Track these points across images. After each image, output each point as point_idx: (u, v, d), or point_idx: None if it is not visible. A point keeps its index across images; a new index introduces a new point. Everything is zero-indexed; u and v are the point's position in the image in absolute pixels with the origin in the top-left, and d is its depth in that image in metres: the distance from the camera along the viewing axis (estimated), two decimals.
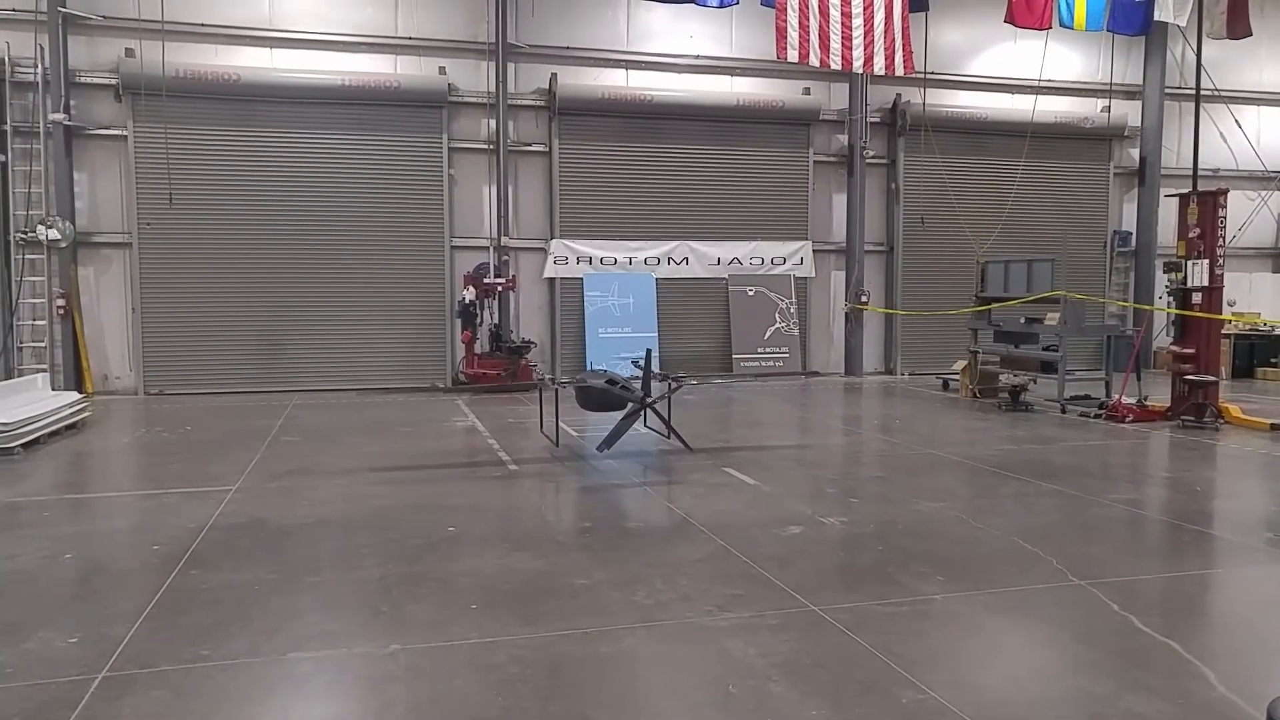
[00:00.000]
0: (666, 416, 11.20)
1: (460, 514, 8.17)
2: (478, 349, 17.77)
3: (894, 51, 16.39)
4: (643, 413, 11.07)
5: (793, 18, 15.81)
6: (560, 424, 11.55)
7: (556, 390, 11.47)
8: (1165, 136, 22.01)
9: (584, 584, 6.21)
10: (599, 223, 19.41)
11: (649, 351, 10.97)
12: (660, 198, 19.69)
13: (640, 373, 11.00)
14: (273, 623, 5.49)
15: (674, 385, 11.62)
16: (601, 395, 11.09)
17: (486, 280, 17.96)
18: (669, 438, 11.21)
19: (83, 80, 16.86)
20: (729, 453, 11.27)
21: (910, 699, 4.48)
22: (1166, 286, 14.00)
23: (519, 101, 18.93)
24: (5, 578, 6.40)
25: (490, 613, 5.66)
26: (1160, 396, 14.21)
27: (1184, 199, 13.72)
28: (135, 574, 6.52)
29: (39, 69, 16.37)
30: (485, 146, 18.76)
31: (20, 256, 16.67)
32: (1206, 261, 13.25)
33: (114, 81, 16.83)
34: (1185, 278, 13.41)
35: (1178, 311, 13.63)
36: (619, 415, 10.83)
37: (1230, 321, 17.64)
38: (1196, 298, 13.35)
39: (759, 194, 20.18)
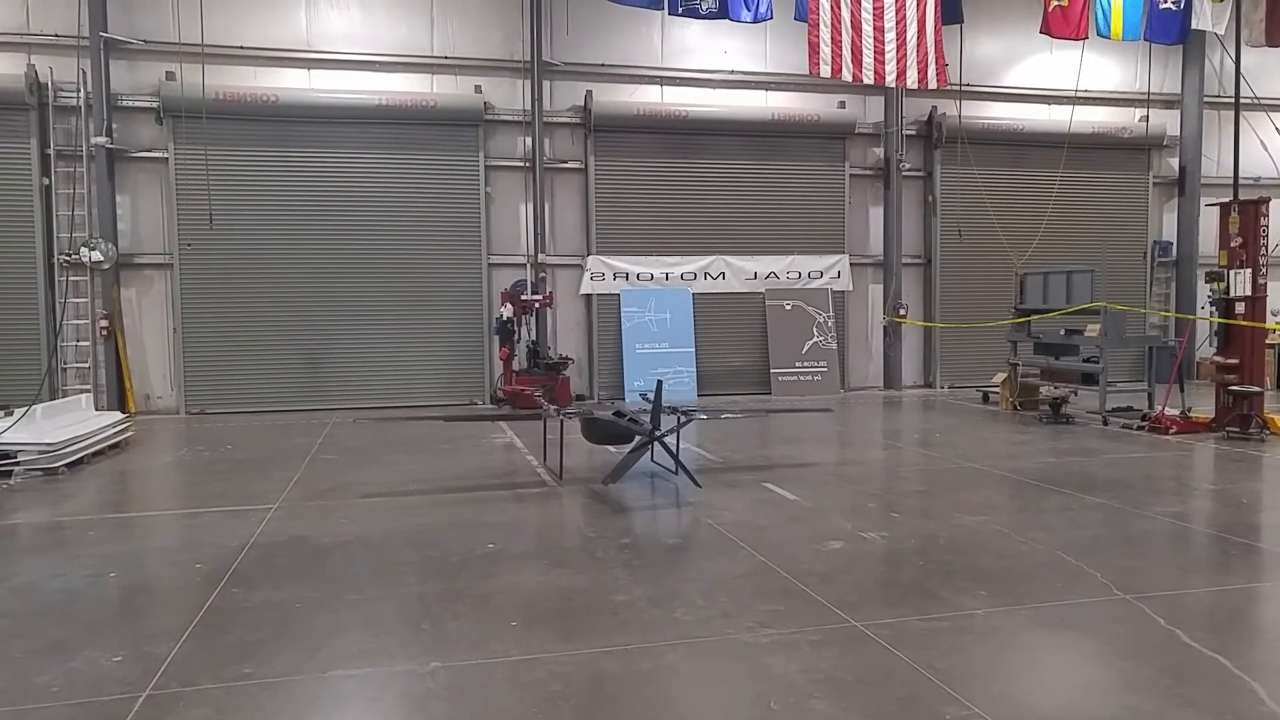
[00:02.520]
0: (675, 451, 10.19)
1: (499, 531, 8.19)
2: (515, 366, 17.83)
3: (926, 65, 16.31)
4: (651, 446, 10.08)
5: (825, 33, 15.78)
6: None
7: (562, 421, 10.75)
8: (1205, 145, 21.76)
9: (624, 600, 6.20)
10: (635, 238, 19.44)
11: (660, 383, 10.15)
12: (696, 213, 19.68)
13: (650, 405, 10.06)
14: (314, 640, 5.52)
15: (683, 420, 11.12)
16: (609, 428, 10.53)
17: (524, 297, 18.03)
18: (676, 473, 10.24)
19: (124, 104, 17.13)
20: (769, 468, 11.23)
21: (953, 715, 4.44)
22: (1209, 296, 13.85)
23: (554, 119, 19.02)
24: (51, 596, 6.48)
25: (530, 630, 5.66)
26: (1204, 408, 14.02)
27: (1225, 208, 13.58)
28: (178, 592, 6.59)
29: (81, 93, 16.66)
30: (521, 164, 18.85)
31: (64, 278, 16.94)
32: (1249, 271, 13.11)
33: (155, 104, 17.08)
34: (1228, 287, 13.25)
35: (1221, 320, 13.46)
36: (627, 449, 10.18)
37: (1274, 331, 17.37)
38: (1240, 307, 13.20)
39: (795, 208, 20.14)
